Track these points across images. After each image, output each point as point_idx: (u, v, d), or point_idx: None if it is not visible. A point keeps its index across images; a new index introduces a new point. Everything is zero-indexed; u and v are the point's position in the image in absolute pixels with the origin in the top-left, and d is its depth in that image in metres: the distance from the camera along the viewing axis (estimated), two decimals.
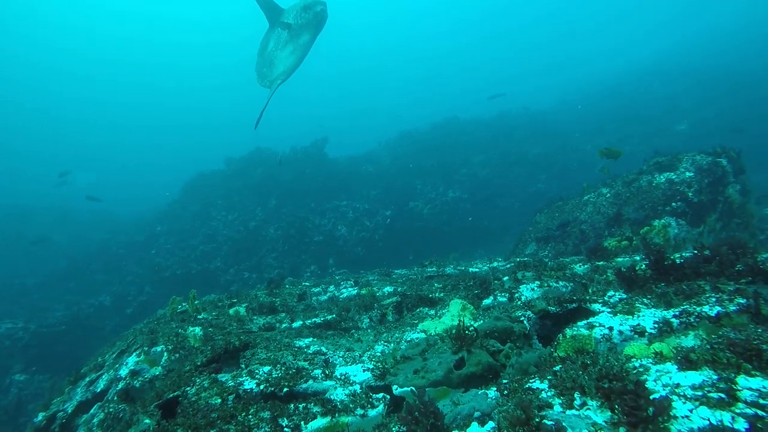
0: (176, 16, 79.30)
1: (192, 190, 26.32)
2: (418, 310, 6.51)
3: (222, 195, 24.50)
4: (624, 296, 5.11)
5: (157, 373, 5.43)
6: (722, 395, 2.67)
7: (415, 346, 4.52)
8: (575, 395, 3.00)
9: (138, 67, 77.15)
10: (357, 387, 4.20)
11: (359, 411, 3.84)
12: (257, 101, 10.84)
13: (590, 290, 5.71)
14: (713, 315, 4.01)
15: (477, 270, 8.92)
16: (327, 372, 4.52)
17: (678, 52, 42.14)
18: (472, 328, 4.28)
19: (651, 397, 2.60)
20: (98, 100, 75.30)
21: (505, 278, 6.84)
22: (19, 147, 67.76)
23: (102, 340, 13.00)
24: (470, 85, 63.81)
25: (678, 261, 5.22)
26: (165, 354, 5.68)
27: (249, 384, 4.33)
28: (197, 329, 6.09)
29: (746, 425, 2.39)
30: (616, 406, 2.64)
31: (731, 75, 29.05)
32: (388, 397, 3.95)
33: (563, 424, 2.64)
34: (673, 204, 9.93)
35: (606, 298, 5.15)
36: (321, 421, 3.73)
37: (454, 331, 4.21)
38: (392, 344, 5.15)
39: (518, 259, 9.50)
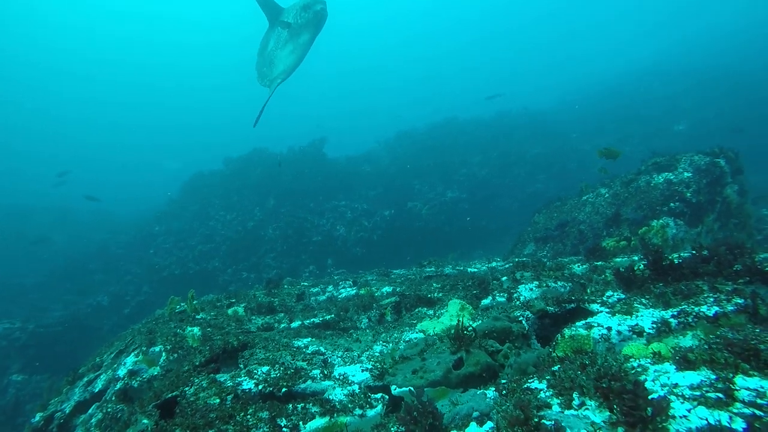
0: (176, 16, 79.23)
1: (191, 190, 26.31)
2: (416, 310, 6.51)
3: (220, 195, 24.49)
4: (622, 296, 5.12)
5: (156, 373, 5.42)
6: (720, 395, 2.67)
7: (414, 346, 4.52)
8: (574, 395, 3.01)
9: (137, 67, 77.11)
10: (356, 387, 4.20)
11: (358, 411, 3.84)
12: (256, 101, 10.85)
13: (589, 290, 5.71)
14: (711, 315, 4.02)
15: (476, 270, 8.92)
16: (325, 372, 4.52)
17: (678, 52, 42.23)
18: (471, 328, 4.28)
19: (649, 397, 2.61)
20: (98, 100, 75.21)
21: (504, 278, 6.84)
22: (19, 147, 67.67)
23: (100, 340, 12.97)
24: (470, 85, 63.87)
25: (676, 261, 5.23)
26: (163, 354, 5.67)
27: (247, 384, 4.33)
28: (196, 329, 6.08)
29: (744, 425, 2.40)
30: (615, 406, 2.64)
31: (731, 75, 29.11)
32: (387, 397, 3.94)
33: (562, 424, 2.64)
34: (672, 204, 9.94)
35: (604, 299, 5.16)
36: (319, 421, 3.73)
37: (452, 331, 4.22)
38: (391, 344, 5.15)
39: (517, 260, 9.51)
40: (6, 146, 65.79)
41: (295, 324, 6.57)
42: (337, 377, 4.41)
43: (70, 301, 20.33)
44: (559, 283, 6.19)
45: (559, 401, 3.02)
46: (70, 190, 33.17)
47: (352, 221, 21.51)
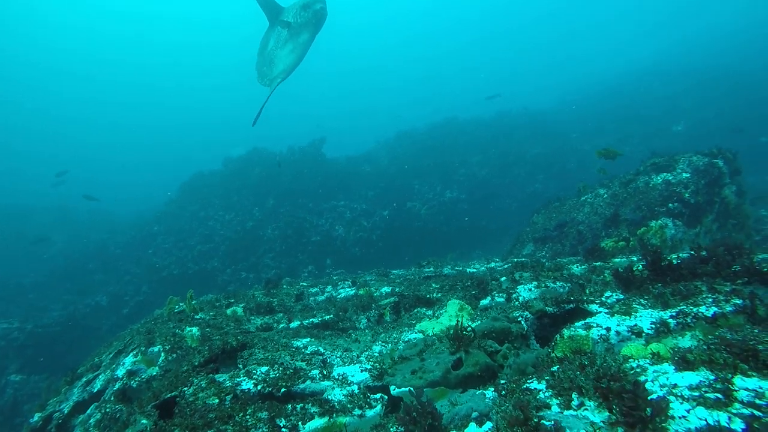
0: (175, 15, 79.20)
1: (190, 190, 26.28)
2: (415, 310, 6.51)
3: (220, 195, 24.47)
4: (621, 297, 5.13)
5: (154, 373, 5.42)
6: (719, 395, 2.68)
7: (413, 346, 4.52)
8: (573, 395, 3.01)
9: (137, 67, 77.08)
10: (355, 387, 4.20)
11: (357, 411, 3.84)
12: (256, 101, 10.85)
13: (587, 291, 5.72)
14: (710, 315, 4.03)
15: (474, 270, 8.93)
16: (325, 372, 4.52)
17: (678, 52, 42.27)
18: (470, 328, 4.28)
19: (649, 398, 2.61)
20: (98, 100, 75.20)
21: (503, 279, 6.85)
22: (19, 147, 67.65)
23: (99, 340, 12.96)
24: (470, 85, 63.92)
25: (675, 262, 5.24)
26: (162, 354, 5.67)
27: (246, 384, 4.32)
28: (194, 329, 6.07)
29: (743, 425, 2.40)
30: (614, 406, 2.65)
31: (731, 75, 29.15)
32: (386, 397, 3.94)
33: (561, 424, 2.65)
34: (670, 205, 9.96)
35: (603, 299, 5.16)
36: (319, 422, 3.73)
37: (451, 332, 4.22)
38: (390, 344, 5.15)
39: (516, 260, 9.51)
40: (6, 146, 65.76)
41: (294, 324, 6.57)
42: (336, 377, 4.41)
43: (68, 301, 20.30)
44: (558, 283, 6.19)
45: (558, 401, 3.02)
46: (69, 190, 33.17)
47: (351, 221, 21.52)
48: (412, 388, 3.70)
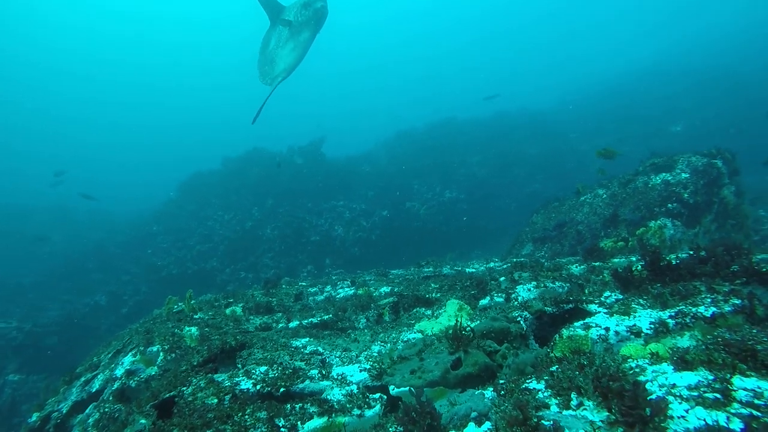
0: (175, 15, 79.11)
1: (189, 190, 26.25)
2: (414, 310, 6.51)
3: (219, 194, 24.44)
4: (620, 297, 5.13)
5: (153, 373, 5.41)
6: (718, 395, 2.68)
7: (412, 346, 4.52)
8: (572, 395, 3.01)
9: (136, 67, 76.99)
10: (354, 387, 4.20)
11: (356, 411, 3.84)
12: (255, 101, 10.85)
13: (587, 291, 5.72)
14: (709, 316, 4.03)
15: (474, 270, 8.93)
16: (324, 372, 4.51)
17: (678, 52, 42.29)
18: (469, 328, 4.28)
19: (648, 398, 2.61)
20: (97, 100, 75.13)
21: (502, 279, 6.85)
22: (19, 147, 67.57)
23: (97, 340, 12.95)
24: (470, 85, 63.91)
25: (674, 262, 5.25)
26: (161, 354, 5.66)
27: (245, 384, 4.32)
28: (193, 329, 6.07)
29: (741, 425, 2.41)
30: (614, 406, 2.65)
31: (731, 75, 29.19)
32: (385, 397, 3.94)
33: (560, 424, 2.65)
34: (669, 205, 9.97)
35: (602, 299, 5.17)
36: (318, 422, 3.73)
37: (450, 332, 4.21)
38: (389, 344, 5.14)
39: (515, 260, 9.52)
40: (5, 146, 65.68)
41: (293, 324, 6.56)
42: (336, 377, 4.41)
43: (67, 301, 20.27)
44: (557, 283, 6.20)
45: (557, 401, 3.02)
46: (67, 190, 33.10)
47: (351, 221, 21.51)
48: (411, 388, 3.70)
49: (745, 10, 50.45)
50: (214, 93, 75.98)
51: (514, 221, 18.93)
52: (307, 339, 5.55)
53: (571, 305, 5.10)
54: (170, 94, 77.98)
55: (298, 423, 3.73)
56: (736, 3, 53.42)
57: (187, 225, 23.42)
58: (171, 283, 18.92)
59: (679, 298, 4.53)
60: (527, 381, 3.40)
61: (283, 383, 4.29)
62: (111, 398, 5.29)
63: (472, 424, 3.03)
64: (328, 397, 4.09)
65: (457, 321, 4.34)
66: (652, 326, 4.17)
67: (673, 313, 4.25)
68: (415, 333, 5.33)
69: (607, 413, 2.73)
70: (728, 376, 2.82)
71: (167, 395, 4.32)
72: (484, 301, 6.04)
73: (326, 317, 6.68)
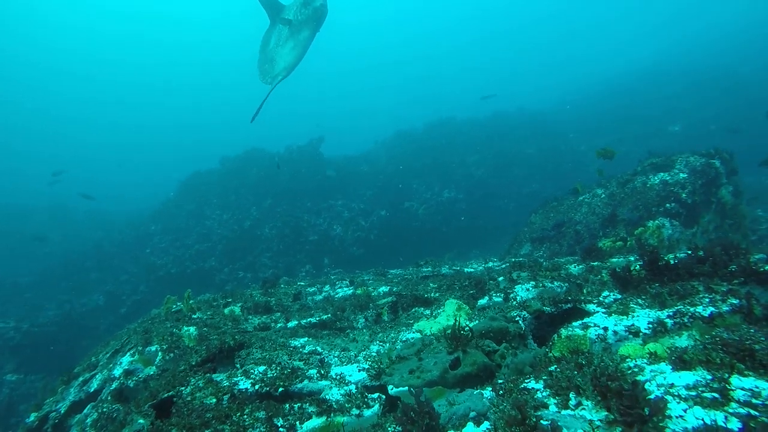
0: (174, 15, 79.01)
1: (187, 189, 26.23)
2: (413, 310, 6.51)
3: (217, 194, 24.42)
4: (619, 296, 5.14)
5: (152, 372, 5.40)
6: (716, 395, 2.69)
7: (411, 346, 4.52)
8: (570, 395, 3.02)
9: (136, 67, 76.90)
10: (352, 387, 4.20)
11: (355, 411, 3.84)
12: (254, 100, 10.82)
13: (585, 290, 5.73)
14: (707, 315, 4.04)
15: (472, 270, 8.94)
16: (322, 372, 4.51)
17: (678, 52, 42.36)
18: (468, 328, 4.28)
19: (647, 397, 2.62)
20: (97, 100, 75.05)
21: (501, 278, 6.85)
22: (18, 146, 67.48)
23: (96, 340, 12.93)
24: (469, 85, 63.95)
25: (672, 262, 5.26)
26: (159, 353, 5.65)
27: (244, 384, 4.31)
28: (192, 329, 6.06)
29: (739, 425, 2.41)
30: (612, 405, 2.65)
31: (730, 75, 29.25)
32: (384, 397, 3.94)
33: (559, 423, 2.65)
34: (667, 205, 9.99)
35: (601, 299, 5.17)
36: (316, 421, 3.72)
37: (449, 331, 4.22)
38: (388, 344, 5.15)
39: (513, 260, 9.53)
40: (5, 146, 65.55)
41: (292, 324, 6.56)
42: (334, 377, 4.41)
43: (65, 300, 20.22)
44: (555, 283, 6.21)
45: (555, 401, 3.03)
46: (66, 189, 33.06)
47: (349, 221, 21.50)
48: (410, 388, 3.70)
49: (745, 10, 50.58)
50: (213, 93, 75.96)
51: (512, 221, 18.96)
52: (306, 339, 5.55)
53: (569, 305, 5.11)
54: (169, 94, 77.94)
55: (297, 423, 3.73)
56: (736, 3, 53.55)
57: (186, 224, 23.39)
58: (169, 283, 18.90)
59: (677, 298, 4.54)
60: (526, 381, 3.41)
61: (281, 383, 4.28)
62: (109, 398, 5.28)
63: (470, 424, 3.04)
64: (327, 396, 4.09)
65: (455, 321, 4.34)
66: (651, 326, 4.18)
67: (671, 313, 4.26)
68: (413, 333, 5.33)
69: (606, 413, 2.73)
70: (726, 375, 2.83)
71: (166, 395, 4.31)
72: (482, 301, 6.05)
73: (325, 317, 6.67)
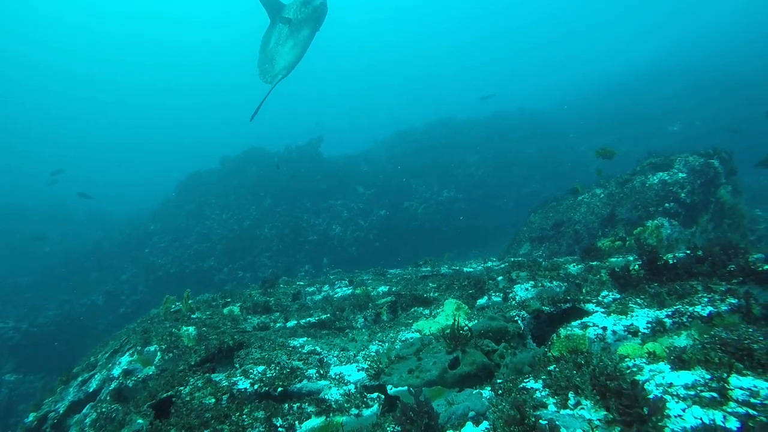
0: (174, 15, 78.95)
1: (187, 189, 26.22)
2: (412, 309, 6.51)
3: (217, 194, 24.41)
4: (617, 296, 5.14)
5: (151, 372, 5.40)
6: (714, 394, 2.69)
7: (410, 345, 4.52)
8: (569, 395, 3.02)
9: (135, 67, 76.87)
10: (351, 387, 4.20)
11: (354, 411, 3.84)
12: (253, 100, 10.82)
13: (584, 290, 5.73)
14: (705, 315, 4.04)
15: (471, 270, 8.94)
16: (321, 372, 4.51)
17: (677, 52, 42.37)
18: (467, 327, 4.28)
19: (646, 397, 2.62)
20: (97, 100, 75.03)
21: (500, 278, 6.86)
22: (18, 146, 67.45)
23: (95, 340, 12.92)
24: (469, 84, 63.97)
25: (671, 261, 5.26)
26: (158, 353, 5.65)
27: (243, 384, 4.31)
28: (191, 329, 6.05)
29: (738, 424, 2.41)
30: (611, 405, 2.65)
31: (730, 75, 29.24)
32: (383, 396, 3.94)
33: (557, 423, 2.65)
34: (666, 205, 10.00)
35: (600, 298, 5.17)
36: (315, 421, 3.72)
37: (448, 331, 4.22)
38: (387, 344, 5.15)
39: (512, 259, 9.53)
40: (5, 145, 65.53)
41: (291, 323, 6.56)
42: (333, 377, 4.41)
43: (64, 300, 20.21)
44: (554, 282, 6.21)
45: (554, 401, 3.03)
46: (65, 189, 33.06)
47: (348, 220, 21.50)
48: (409, 388, 3.70)
49: (745, 10, 50.62)
50: (213, 93, 75.95)
51: (512, 221, 18.96)
52: (305, 338, 5.54)
53: (568, 305, 5.11)
54: (169, 94, 77.91)
55: (296, 423, 3.73)
56: (736, 3, 53.58)
57: (185, 224, 23.38)
58: (169, 283, 18.88)
59: (676, 298, 4.54)
60: (525, 380, 3.41)
61: (280, 383, 4.28)
62: (108, 398, 5.27)
63: (469, 424, 3.04)
64: (326, 396, 4.09)
65: (454, 320, 4.34)
66: (650, 325, 4.18)
67: (670, 313, 4.27)
68: (412, 332, 5.33)
69: (605, 412, 2.73)
70: (725, 375, 2.83)
71: (165, 395, 4.31)
72: (481, 301, 6.05)
73: (324, 317, 6.67)
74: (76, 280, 22.90)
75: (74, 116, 74.53)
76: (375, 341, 5.31)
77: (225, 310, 7.27)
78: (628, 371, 3.22)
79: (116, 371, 5.60)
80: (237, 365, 4.76)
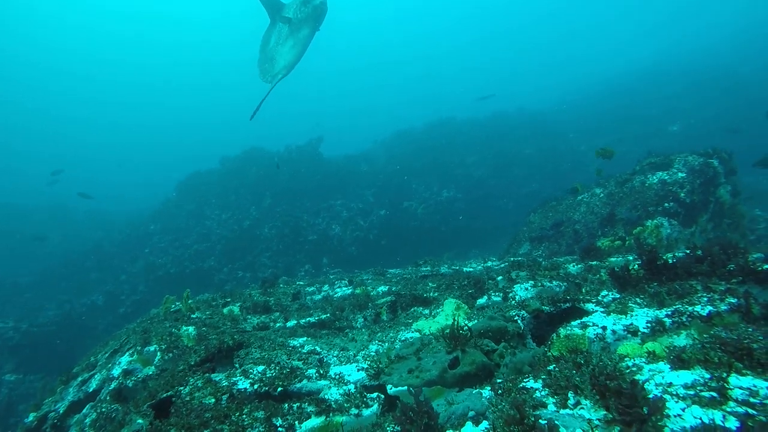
0: (174, 15, 78.93)
1: (187, 189, 26.23)
2: (412, 309, 6.51)
3: (217, 194, 24.42)
4: (617, 296, 5.14)
5: (150, 372, 5.40)
6: (714, 394, 2.69)
7: (410, 345, 4.52)
8: (569, 394, 3.02)
9: (136, 67, 76.88)
10: (351, 386, 4.20)
11: (354, 410, 3.84)
12: (253, 100, 10.83)
13: (584, 290, 5.73)
14: (705, 314, 4.04)
15: (471, 269, 8.94)
16: (321, 371, 4.51)
17: (677, 52, 42.35)
18: (467, 327, 4.28)
19: (646, 396, 2.62)
20: (97, 100, 75.03)
21: (499, 278, 6.86)
22: (18, 146, 67.46)
23: (95, 340, 12.91)
24: (469, 84, 63.95)
25: (670, 261, 5.26)
26: (158, 353, 5.65)
27: (243, 383, 4.31)
28: (191, 328, 6.06)
29: (737, 424, 2.41)
30: (611, 405, 2.66)
31: (730, 75, 29.24)
32: (383, 396, 3.94)
33: (557, 423, 2.65)
34: (666, 204, 10.00)
35: (599, 298, 5.18)
36: (315, 421, 3.72)
37: (448, 331, 4.22)
38: (386, 344, 5.15)
39: (512, 259, 9.53)
40: (5, 145, 65.53)
41: (291, 323, 6.56)
42: (333, 377, 4.41)
43: (64, 300, 20.21)
44: (554, 282, 6.21)
45: (554, 400, 3.03)
46: (66, 189, 33.07)
47: (348, 220, 21.50)
48: (409, 387, 3.71)
49: (745, 10, 50.60)
50: (213, 93, 75.94)
51: (511, 221, 18.95)
52: (305, 338, 5.54)
53: (568, 304, 5.11)
54: (169, 94, 77.91)
55: (296, 422, 3.73)
56: (736, 3, 53.57)
57: (185, 224, 23.39)
58: (168, 283, 18.88)
59: (675, 297, 4.55)
60: (525, 380, 3.41)
61: (280, 383, 4.28)
62: (108, 398, 5.27)
63: (469, 424, 3.04)
64: (326, 396, 4.09)
65: (454, 320, 4.34)
66: (649, 325, 4.18)
67: (669, 312, 4.27)
68: (412, 332, 5.33)
69: (605, 412, 2.73)
70: (724, 374, 2.83)
71: (164, 395, 4.31)
72: (481, 301, 6.05)
73: (324, 316, 6.67)
74: (76, 280, 22.90)
75: (74, 116, 74.53)
76: (375, 341, 5.32)
77: (225, 310, 7.27)
78: (628, 371, 3.22)
79: (116, 371, 5.60)
80: (237, 365, 4.77)
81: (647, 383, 2.99)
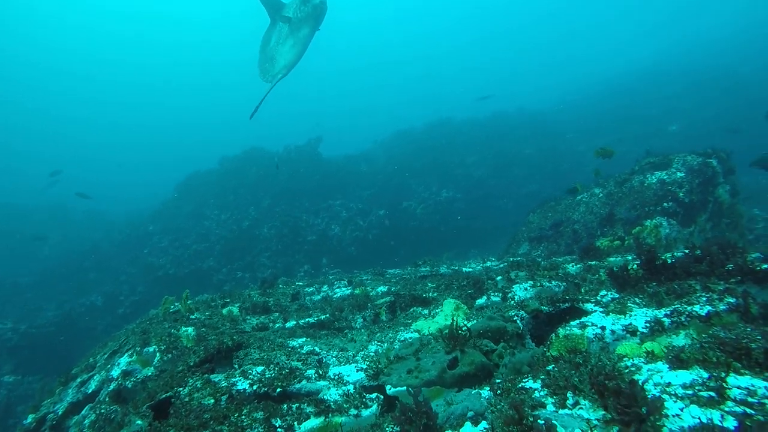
0: (174, 15, 78.92)
1: (186, 189, 26.22)
2: (411, 309, 6.51)
3: (216, 194, 24.41)
4: (616, 296, 5.15)
5: (150, 373, 5.40)
6: (712, 394, 2.69)
7: (409, 345, 4.52)
8: (568, 394, 3.02)
9: (136, 67, 76.88)
10: (350, 387, 4.20)
11: (353, 411, 3.84)
12: (253, 100, 10.83)
13: (583, 290, 5.74)
14: (704, 314, 4.05)
15: (470, 270, 8.94)
16: (320, 372, 4.51)
17: (677, 52, 42.39)
18: (466, 327, 4.29)
19: (645, 396, 2.62)
20: (97, 100, 75.03)
21: (499, 278, 6.86)
22: (18, 146, 67.45)
23: (94, 341, 12.90)
24: (469, 85, 63.92)
25: (669, 261, 5.27)
26: (157, 354, 5.65)
27: (242, 384, 4.31)
28: (190, 329, 6.05)
29: (735, 423, 2.42)
30: (610, 405, 2.66)
31: (731, 75, 29.26)
32: (382, 397, 3.94)
33: (556, 422, 2.65)
34: (665, 204, 10.01)
35: (598, 298, 5.18)
36: (314, 422, 3.72)
37: (447, 331, 4.22)
38: (386, 344, 5.15)
39: (511, 259, 9.54)
40: (5, 145, 65.52)
41: (290, 324, 6.56)
42: (332, 377, 4.41)
43: (63, 301, 20.20)
44: (553, 282, 6.21)
45: (553, 401, 3.03)
46: (64, 190, 33.05)
47: (348, 220, 21.50)
48: (408, 388, 3.71)
49: (745, 10, 50.64)
50: (213, 93, 75.94)
51: (511, 221, 18.94)
52: (304, 339, 5.54)
53: (567, 304, 5.11)
54: (169, 94, 77.91)
55: (295, 423, 3.73)
56: (736, 3, 53.60)
57: (185, 224, 23.38)
58: (168, 283, 18.87)
59: (674, 297, 4.55)
60: (524, 380, 3.41)
61: (279, 383, 4.28)
62: (107, 399, 5.27)
63: (468, 424, 3.04)
64: (325, 397, 4.09)
65: (453, 320, 4.34)
66: (648, 325, 4.19)
67: (668, 312, 4.27)
68: (411, 332, 5.33)
69: (603, 412, 2.73)
70: (723, 374, 2.83)
71: (164, 396, 4.31)
72: (480, 301, 6.05)
73: (323, 317, 6.67)
74: (75, 280, 22.88)
75: (74, 116, 74.50)
76: (374, 341, 5.32)
77: (224, 311, 7.27)
78: (627, 371, 3.22)
79: (115, 372, 5.60)
80: (236, 366, 4.76)
81: (646, 383, 3.00)
